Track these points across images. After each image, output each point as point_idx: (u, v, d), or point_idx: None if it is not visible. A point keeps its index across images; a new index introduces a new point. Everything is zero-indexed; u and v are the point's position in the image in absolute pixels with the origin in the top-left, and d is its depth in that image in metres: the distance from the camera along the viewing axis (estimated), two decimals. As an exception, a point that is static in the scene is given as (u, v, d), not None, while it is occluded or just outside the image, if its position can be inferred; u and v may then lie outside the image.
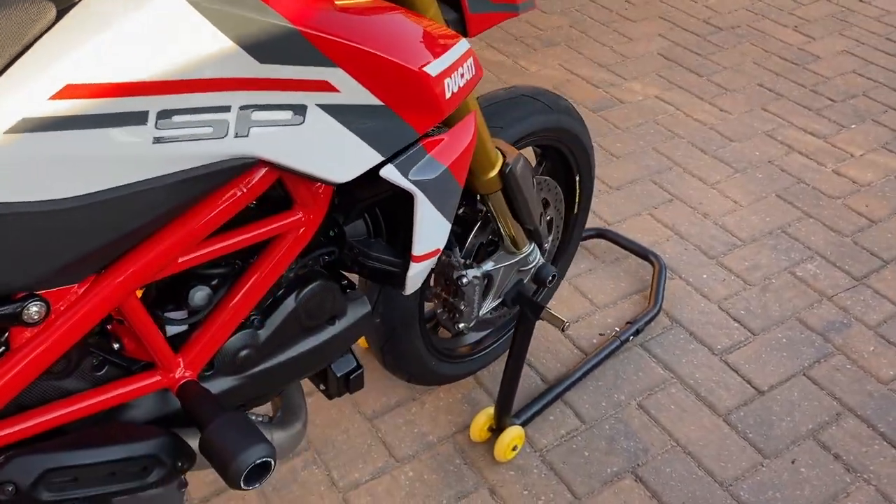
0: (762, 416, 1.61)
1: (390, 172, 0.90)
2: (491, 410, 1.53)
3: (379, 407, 1.63)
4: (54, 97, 0.65)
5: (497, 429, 1.52)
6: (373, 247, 1.04)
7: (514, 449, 1.52)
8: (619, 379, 1.69)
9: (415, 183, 0.92)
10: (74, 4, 0.70)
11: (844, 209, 2.17)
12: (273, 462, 0.86)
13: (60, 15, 0.68)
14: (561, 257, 1.67)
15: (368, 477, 1.50)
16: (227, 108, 0.74)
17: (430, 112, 0.87)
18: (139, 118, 0.70)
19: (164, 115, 0.71)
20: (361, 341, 1.65)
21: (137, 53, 0.68)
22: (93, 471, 0.84)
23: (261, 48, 0.73)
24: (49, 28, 0.68)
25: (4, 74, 0.67)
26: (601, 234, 2.02)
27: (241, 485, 0.84)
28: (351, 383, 1.19)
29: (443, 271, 1.36)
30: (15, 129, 0.65)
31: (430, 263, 1.04)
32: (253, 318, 1.00)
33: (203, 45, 0.70)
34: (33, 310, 0.75)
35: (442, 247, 1.03)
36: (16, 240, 0.70)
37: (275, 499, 1.46)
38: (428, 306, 1.48)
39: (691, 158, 2.37)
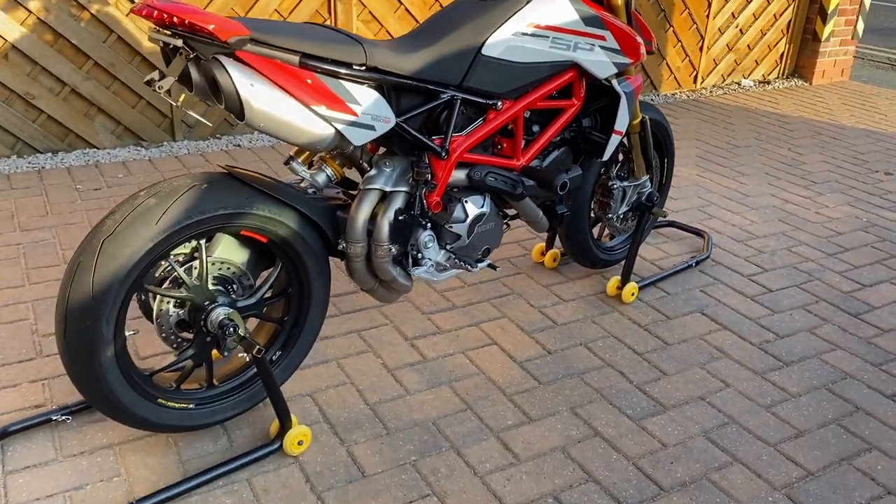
0: (769, 298, 2.81)
1: (614, 82, 2.24)
2: (618, 277, 2.75)
3: (553, 281, 2.85)
4: (527, 27, 2.03)
5: (622, 285, 2.73)
6: (593, 128, 2.36)
7: (632, 295, 2.72)
8: (688, 280, 2.91)
9: (622, 90, 2.26)
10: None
11: (817, 227, 3.45)
12: (569, 183, 2.13)
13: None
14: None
15: (552, 302, 2.69)
16: (571, 41, 2.10)
17: (634, 57, 2.24)
18: (547, 37, 2.06)
19: (557, 38, 2.07)
20: (535, 255, 2.92)
21: (551, 16, 2.06)
22: (500, 175, 2.10)
23: (587, 20, 2.12)
24: (521, 9, 2.06)
25: (504, 25, 2.03)
26: (671, 223, 3.32)
27: (559, 191, 2.11)
28: (564, 219, 2.44)
29: (603, 183, 2.67)
30: (517, 34, 2.01)
31: (618, 140, 2.35)
32: (539, 156, 2.30)
33: (567, 14, 2.09)
34: (500, 105, 2.06)
35: (624, 131, 2.35)
36: (505, 76, 2.03)
37: (470, 283, 2.65)
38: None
39: (721, 203, 3.70)
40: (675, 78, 5.64)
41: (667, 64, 5.54)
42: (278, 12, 4.13)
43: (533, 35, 2.05)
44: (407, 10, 4.48)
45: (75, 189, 3.45)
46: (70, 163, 3.75)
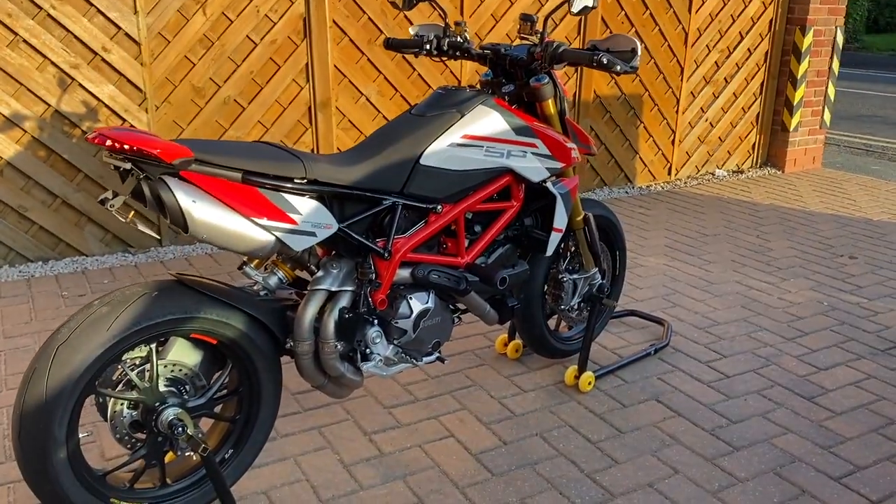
0: (725, 384, 2.88)
1: (549, 184, 2.40)
2: (575, 366, 2.83)
3: (514, 372, 2.93)
4: (461, 138, 2.20)
5: (579, 374, 2.81)
6: (534, 227, 2.50)
7: (589, 384, 2.80)
8: (646, 367, 2.99)
9: (557, 192, 2.42)
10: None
11: (778, 312, 3.54)
12: (509, 279, 2.25)
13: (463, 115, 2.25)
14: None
15: (512, 393, 2.77)
16: (503, 149, 2.27)
17: (566, 161, 2.40)
18: (480, 147, 2.23)
19: (490, 147, 2.24)
20: (499, 346, 3.02)
21: (483, 127, 2.24)
22: (442, 272, 2.23)
23: (518, 130, 2.30)
24: (456, 123, 2.23)
25: (440, 137, 2.21)
26: (632, 312, 3.42)
27: (498, 285, 2.24)
28: (514, 311, 2.55)
29: (554, 277, 2.79)
30: (453, 145, 2.19)
31: (558, 236, 2.48)
32: (484, 254, 2.43)
33: (499, 126, 2.26)
34: (440, 209, 2.21)
35: (563, 228, 2.48)
36: (442, 183, 2.19)
37: (460, 360, 2.73)
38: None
39: (686, 291, 3.81)
40: (649, 171, 5.85)
41: (640, 158, 5.76)
42: (261, 123, 4.38)
43: (467, 145, 2.22)
44: (384, 117, 4.73)
45: (61, 296, 3.60)
46: (59, 270, 3.91)
